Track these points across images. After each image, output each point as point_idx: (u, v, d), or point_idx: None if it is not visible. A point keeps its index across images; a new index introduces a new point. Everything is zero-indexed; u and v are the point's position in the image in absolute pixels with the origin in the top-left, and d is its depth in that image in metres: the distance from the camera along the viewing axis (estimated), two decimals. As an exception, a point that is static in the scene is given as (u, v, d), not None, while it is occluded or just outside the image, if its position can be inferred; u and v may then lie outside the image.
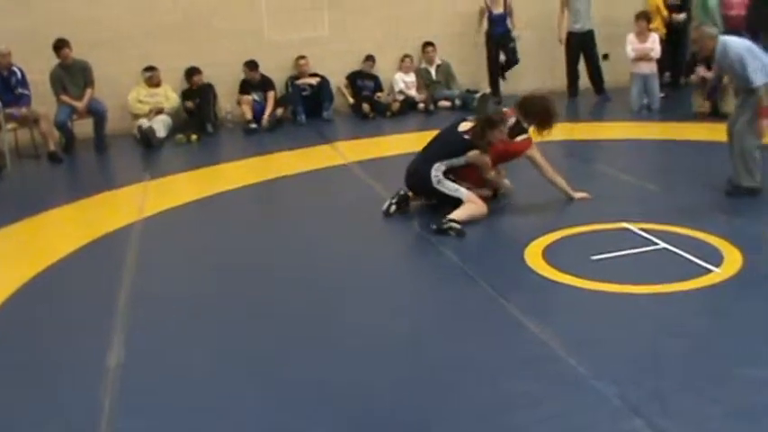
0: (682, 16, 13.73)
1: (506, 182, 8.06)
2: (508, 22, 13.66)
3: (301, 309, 5.65)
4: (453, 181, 7.51)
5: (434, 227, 6.99)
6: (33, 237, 7.91)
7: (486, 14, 13.63)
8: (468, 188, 7.46)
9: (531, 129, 7.77)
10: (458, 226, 6.91)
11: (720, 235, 6.51)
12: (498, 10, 13.62)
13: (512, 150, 7.67)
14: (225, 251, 7.04)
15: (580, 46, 13.49)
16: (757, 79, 7.32)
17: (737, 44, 7.52)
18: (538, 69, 13.98)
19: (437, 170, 7.51)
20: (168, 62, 12.70)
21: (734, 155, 7.68)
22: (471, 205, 7.30)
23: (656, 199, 7.93)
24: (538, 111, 7.75)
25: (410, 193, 7.75)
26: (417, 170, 7.65)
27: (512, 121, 7.72)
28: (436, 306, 5.66)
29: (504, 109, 8.34)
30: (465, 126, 7.66)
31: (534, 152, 7.67)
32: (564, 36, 13.55)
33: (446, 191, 7.47)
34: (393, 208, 7.62)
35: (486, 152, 7.52)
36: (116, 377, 4.72)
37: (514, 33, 13.62)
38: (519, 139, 7.69)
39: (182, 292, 6.14)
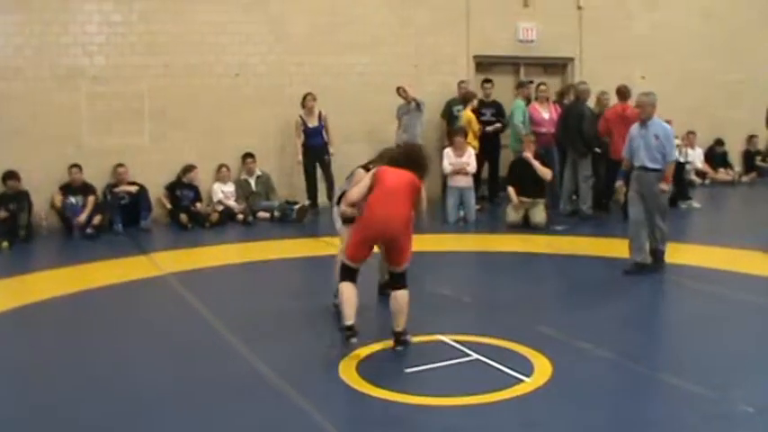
0: (497, 126, 14.35)
1: None
2: (324, 134, 13.88)
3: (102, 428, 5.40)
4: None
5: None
6: None
7: (302, 127, 13.82)
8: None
9: None
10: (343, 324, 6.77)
11: (531, 345, 6.67)
12: (313, 123, 13.84)
13: None
14: (25, 368, 6.67)
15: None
16: (673, 156, 9.29)
17: (667, 126, 9.42)
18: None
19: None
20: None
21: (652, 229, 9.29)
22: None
23: (471, 310, 8.09)
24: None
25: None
26: None
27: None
28: (249, 427, 5.46)
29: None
30: None
31: None
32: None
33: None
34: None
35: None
36: None
37: (331, 148, 13.85)
38: None
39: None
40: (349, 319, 6.64)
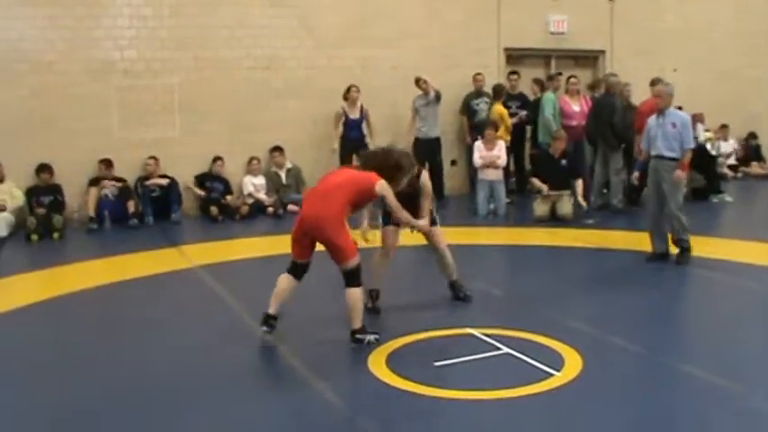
0: (524, 113, 14.35)
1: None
2: (364, 127, 13.88)
3: (133, 419, 5.43)
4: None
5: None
6: None
7: (343, 119, 13.82)
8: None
9: None
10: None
11: (562, 339, 6.64)
12: (354, 115, 13.84)
13: None
14: (58, 358, 6.72)
15: (426, 152, 13.75)
16: (691, 144, 9.31)
17: (684, 114, 9.57)
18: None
19: None
20: (14, 159, 12.38)
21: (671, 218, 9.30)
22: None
23: (501, 304, 8.07)
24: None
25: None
26: None
27: None
28: (277, 416, 5.51)
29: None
30: None
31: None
32: (410, 141, 13.79)
33: None
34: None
35: None
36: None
37: (368, 140, 13.81)
38: None
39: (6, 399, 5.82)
40: (270, 309, 6.82)
